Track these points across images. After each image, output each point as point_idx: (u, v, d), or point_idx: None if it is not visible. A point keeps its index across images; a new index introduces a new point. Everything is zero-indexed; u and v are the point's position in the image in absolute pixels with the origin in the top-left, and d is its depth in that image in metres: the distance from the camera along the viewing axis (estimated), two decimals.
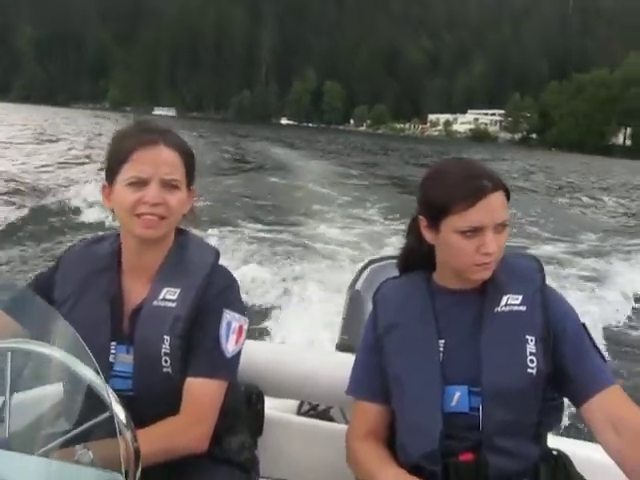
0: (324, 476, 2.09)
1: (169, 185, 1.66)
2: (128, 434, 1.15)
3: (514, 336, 1.62)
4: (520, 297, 1.66)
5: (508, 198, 1.64)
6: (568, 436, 2.42)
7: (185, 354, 1.67)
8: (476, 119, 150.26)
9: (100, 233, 1.97)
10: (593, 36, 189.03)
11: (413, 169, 30.56)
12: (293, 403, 2.49)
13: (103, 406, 1.19)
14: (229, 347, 1.70)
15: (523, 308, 1.64)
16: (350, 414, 1.87)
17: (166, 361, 1.65)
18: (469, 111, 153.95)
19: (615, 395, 1.58)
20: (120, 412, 1.17)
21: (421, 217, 1.68)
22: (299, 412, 2.48)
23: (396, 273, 1.87)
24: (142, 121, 1.78)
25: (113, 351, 1.69)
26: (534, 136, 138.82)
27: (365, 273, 2.79)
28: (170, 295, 1.70)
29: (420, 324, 1.70)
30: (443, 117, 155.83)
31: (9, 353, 1.24)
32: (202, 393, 1.67)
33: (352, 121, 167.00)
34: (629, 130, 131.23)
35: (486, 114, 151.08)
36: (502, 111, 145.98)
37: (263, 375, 2.00)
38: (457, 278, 1.69)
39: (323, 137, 70.42)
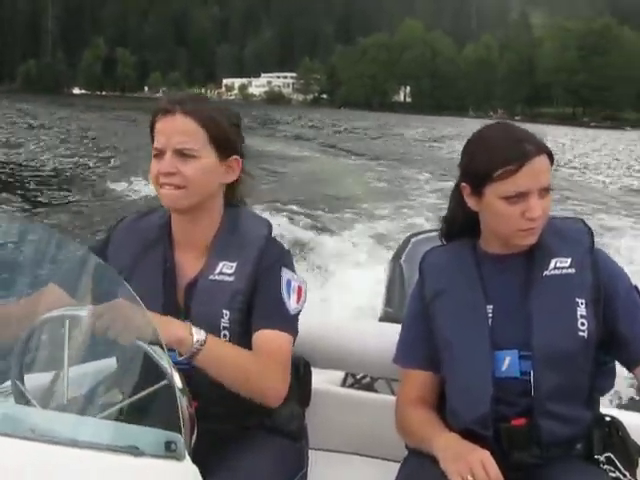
0: (372, 446, 2.12)
1: (183, 154, 1.63)
2: (184, 400, 1.19)
3: (564, 299, 1.60)
4: (569, 260, 1.63)
5: (552, 162, 1.61)
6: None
7: (244, 328, 1.67)
8: (269, 82, 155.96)
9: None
10: (374, 1, 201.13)
11: None
12: (337, 377, 2.55)
13: (159, 374, 1.24)
14: (292, 304, 1.70)
15: (572, 270, 1.62)
16: (397, 385, 1.89)
17: (225, 335, 1.65)
18: (262, 75, 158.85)
19: None
20: (177, 379, 1.22)
21: (464, 184, 1.66)
22: (343, 385, 2.54)
23: (437, 245, 1.84)
24: (177, 92, 1.82)
25: None
26: (325, 97, 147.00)
27: (407, 246, 2.84)
28: (227, 269, 1.69)
29: (467, 290, 1.68)
30: (238, 81, 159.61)
31: (67, 321, 1.28)
32: (279, 343, 1.66)
33: (146, 88, 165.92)
34: (408, 89, 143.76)
35: (278, 77, 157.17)
36: (294, 74, 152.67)
37: (310, 346, 1.99)
38: (503, 244, 1.66)
39: (117, 105, 69.58)
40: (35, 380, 1.39)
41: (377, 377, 2.48)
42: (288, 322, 1.69)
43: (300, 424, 1.85)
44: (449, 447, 1.53)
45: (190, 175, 1.64)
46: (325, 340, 2.10)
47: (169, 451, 1.04)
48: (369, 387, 2.49)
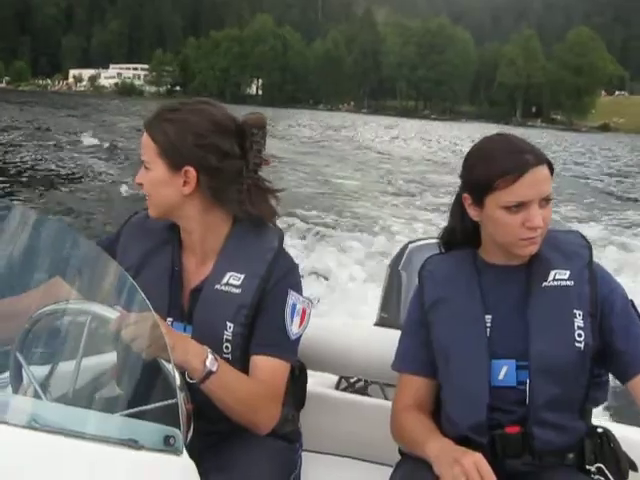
0: (365, 450, 2.13)
1: (145, 166, 1.68)
2: (182, 396, 1.22)
3: (562, 310, 1.62)
4: (568, 272, 1.64)
5: (552, 172, 1.62)
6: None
7: (247, 342, 1.65)
8: (120, 74, 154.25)
9: None
10: None
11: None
12: (331, 381, 2.54)
13: (158, 370, 1.28)
14: (293, 329, 1.68)
15: (571, 283, 1.63)
16: (390, 390, 1.91)
17: (227, 347, 1.63)
18: (112, 66, 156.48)
19: None
20: (176, 376, 1.26)
21: (465, 195, 1.67)
22: (337, 388, 2.53)
23: (435, 252, 1.85)
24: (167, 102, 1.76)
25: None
26: (178, 89, 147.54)
27: (405, 253, 2.83)
28: (234, 280, 1.66)
29: (467, 299, 1.69)
30: (87, 72, 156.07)
31: (89, 317, 1.32)
32: (275, 372, 1.65)
33: None
34: (260, 81, 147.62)
35: (129, 69, 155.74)
36: (145, 65, 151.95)
37: (306, 349, 1.92)
38: (503, 254, 1.68)
39: None
40: (40, 371, 1.39)
41: (371, 381, 2.52)
42: (287, 349, 1.68)
43: (294, 426, 1.86)
44: (443, 452, 1.52)
45: (145, 186, 1.68)
46: (321, 343, 2.09)
47: (168, 445, 1.06)
48: (362, 391, 2.53)
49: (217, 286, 1.67)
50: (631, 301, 1.67)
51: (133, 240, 1.79)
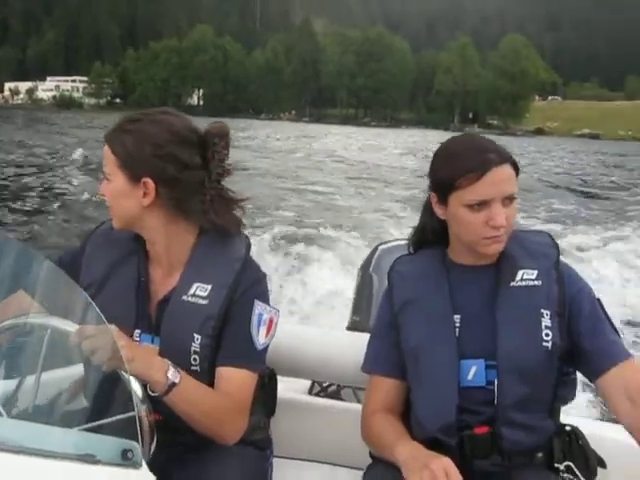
0: (337, 454, 2.12)
1: (106, 177, 1.67)
2: (143, 409, 1.23)
3: (529, 310, 1.62)
4: (535, 272, 1.65)
5: (517, 172, 1.63)
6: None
7: (215, 354, 1.64)
8: (57, 86, 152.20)
9: None
10: (160, 6, 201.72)
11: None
12: (304, 385, 2.52)
13: (120, 384, 1.27)
14: (260, 339, 1.67)
15: (538, 282, 1.64)
16: (365, 392, 1.85)
17: (195, 359, 1.62)
18: (49, 78, 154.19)
19: (631, 368, 1.59)
20: (137, 388, 1.28)
21: (432, 194, 1.69)
22: (310, 394, 2.51)
23: (406, 254, 1.85)
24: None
25: (137, 339, 1.65)
26: (118, 100, 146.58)
27: (375, 255, 2.84)
28: (201, 291, 1.65)
29: (435, 299, 1.70)
30: (23, 85, 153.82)
31: (49, 330, 1.31)
32: (241, 383, 1.64)
33: None
34: (201, 91, 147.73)
35: (67, 81, 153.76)
36: (84, 77, 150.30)
37: (276, 355, 1.91)
38: (470, 253, 1.68)
39: None
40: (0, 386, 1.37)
41: (344, 385, 2.50)
42: (254, 359, 1.67)
43: (265, 434, 1.86)
44: (412, 456, 1.52)
45: (107, 198, 1.67)
46: (291, 348, 2.08)
47: (126, 459, 1.05)
48: (335, 395, 2.53)
49: (184, 297, 1.65)
50: (598, 299, 1.69)
51: (98, 251, 1.77)
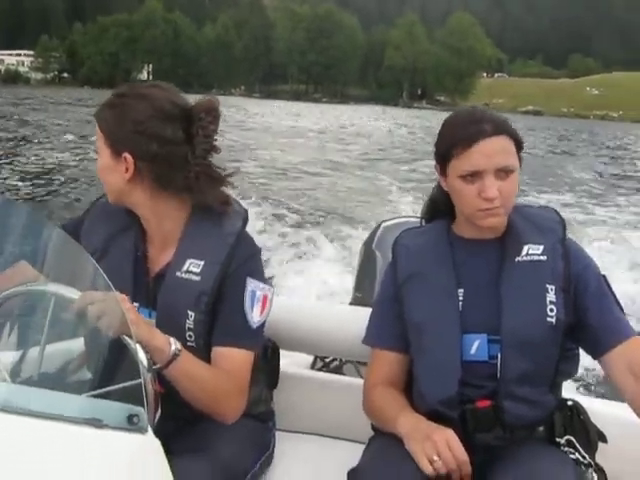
0: (339, 428, 2.13)
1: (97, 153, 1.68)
2: (148, 376, 1.24)
3: (534, 285, 1.62)
4: (541, 247, 1.65)
5: (518, 146, 1.62)
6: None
7: (210, 329, 1.64)
8: (2, 60, 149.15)
9: None
10: None
11: None
12: (306, 360, 2.57)
13: (126, 352, 1.27)
14: (254, 317, 1.66)
15: (544, 258, 1.63)
16: (366, 367, 1.85)
17: (190, 336, 1.63)
18: None
19: (636, 345, 1.59)
20: (142, 356, 1.27)
21: (436, 165, 1.68)
22: (312, 368, 2.56)
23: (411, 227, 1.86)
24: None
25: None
26: (66, 75, 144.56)
27: (378, 232, 2.83)
28: (194, 267, 1.64)
29: (439, 273, 1.69)
30: None
31: (53, 298, 1.30)
32: (238, 362, 1.64)
33: None
34: (151, 66, 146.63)
35: (11, 55, 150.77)
36: (30, 52, 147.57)
37: (279, 329, 1.96)
38: (473, 227, 1.67)
39: None
40: (6, 356, 1.37)
41: (346, 360, 2.54)
42: (250, 338, 1.67)
43: (267, 407, 1.87)
44: (414, 427, 1.52)
45: (97, 171, 1.69)
46: (294, 323, 2.09)
47: (131, 424, 1.07)
48: (338, 370, 2.56)
49: (178, 273, 1.65)
50: (604, 276, 1.68)
51: (97, 224, 1.77)
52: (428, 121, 50.88)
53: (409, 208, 11.58)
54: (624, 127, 78.21)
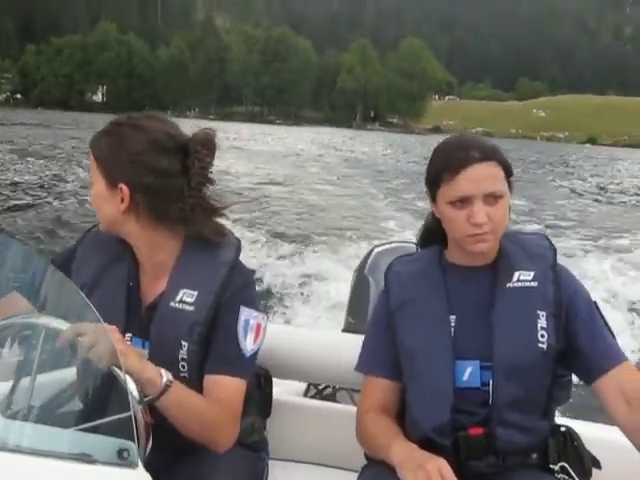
0: (333, 457, 2.11)
1: (92, 180, 1.68)
2: (139, 408, 1.23)
3: (525, 311, 1.62)
4: (532, 273, 1.65)
5: (507, 172, 1.63)
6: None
7: (203, 359, 1.63)
8: None
9: None
10: (56, 2, 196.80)
11: None
12: (299, 388, 2.55)
13: (116, 384, 1.25)
14: (247, 346, 1.65)
15: (535, 284, 1.64)
16: (360, 394, 1.84)
17: (183, 367, 1.62)
18: None
19: (627, 371, 1.59)
20: (133, 388, 1.26)
21: (427, 191, 1.69)
22: (306, 395, 2.53)
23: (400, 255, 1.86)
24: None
25: (128, 342, 1.62)
26: (19, 96, 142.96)
27: (371, 257, 2.81)
28: (187, 298, 1.64)
29: (431, 300, 1.69)
30: None
31: (43, 330, 1.29)
32: (230, 391, 1.63)
33: None
34: (105, 88, 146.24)
35: None
36: None
37: (271, 357, 1.95)
38: (464, 253, 1.67)
39: None
40: None
41: (339, 388, 2.53)
42: (243, 366, 1.66)
43: (260, 436, 1.85)
44: (407, 456, 1.52)
45: (91, 201, 1.68)
46: (286, 350, 2.07)
47: (122, 459, 1.05)
48: (331, 398, 2.53)
49: (171, 303, 1.65)
50: (595, 302, 1.69)
51: (89, 254, 1.77)
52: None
53: None
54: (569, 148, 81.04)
